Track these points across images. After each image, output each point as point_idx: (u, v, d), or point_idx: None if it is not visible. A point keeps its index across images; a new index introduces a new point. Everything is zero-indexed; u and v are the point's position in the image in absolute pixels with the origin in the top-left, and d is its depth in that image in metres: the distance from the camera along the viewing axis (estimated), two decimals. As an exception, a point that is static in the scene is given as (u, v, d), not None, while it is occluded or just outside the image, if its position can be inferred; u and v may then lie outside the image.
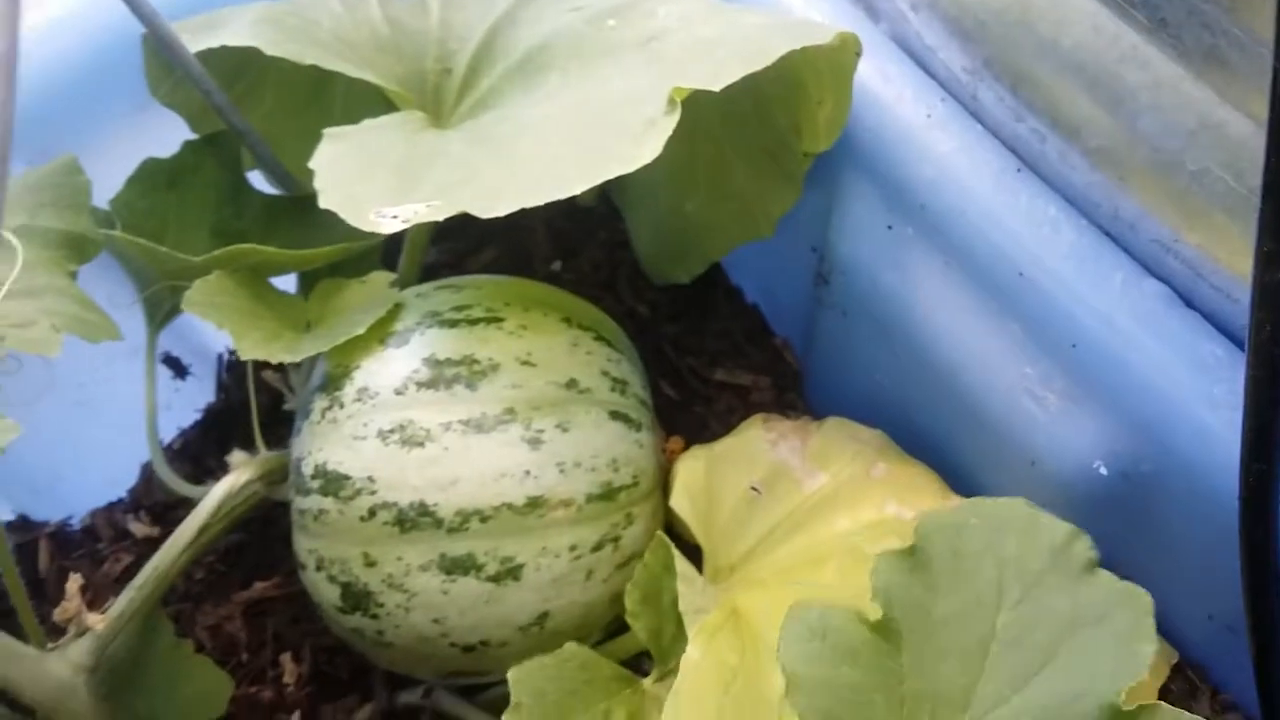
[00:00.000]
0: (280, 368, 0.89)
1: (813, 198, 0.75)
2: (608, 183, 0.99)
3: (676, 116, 0.59)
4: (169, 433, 0.94)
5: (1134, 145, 0.59)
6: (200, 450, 0.93)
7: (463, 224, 0.99)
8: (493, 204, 0.59)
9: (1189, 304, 0.61)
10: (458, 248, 0.98)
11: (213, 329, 0.96)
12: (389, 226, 0.60)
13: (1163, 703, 0.49)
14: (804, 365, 0.89)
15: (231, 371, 0.97)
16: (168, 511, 0.91)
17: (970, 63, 0.66)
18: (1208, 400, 0.59)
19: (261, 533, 0.88)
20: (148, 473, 0.92)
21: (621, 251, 0.97)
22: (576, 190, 0.58)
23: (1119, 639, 0.51)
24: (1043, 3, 0.62)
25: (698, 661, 0.58)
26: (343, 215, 0.61)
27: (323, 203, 0.62)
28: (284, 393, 0.88)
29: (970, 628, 0.52)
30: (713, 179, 0.79)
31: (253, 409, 0.79)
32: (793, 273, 0.84)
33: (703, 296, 0.95)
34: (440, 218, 0.60)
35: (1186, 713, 0.49)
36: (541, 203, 0.58)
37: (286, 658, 0.84)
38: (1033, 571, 0.53)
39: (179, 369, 0.93)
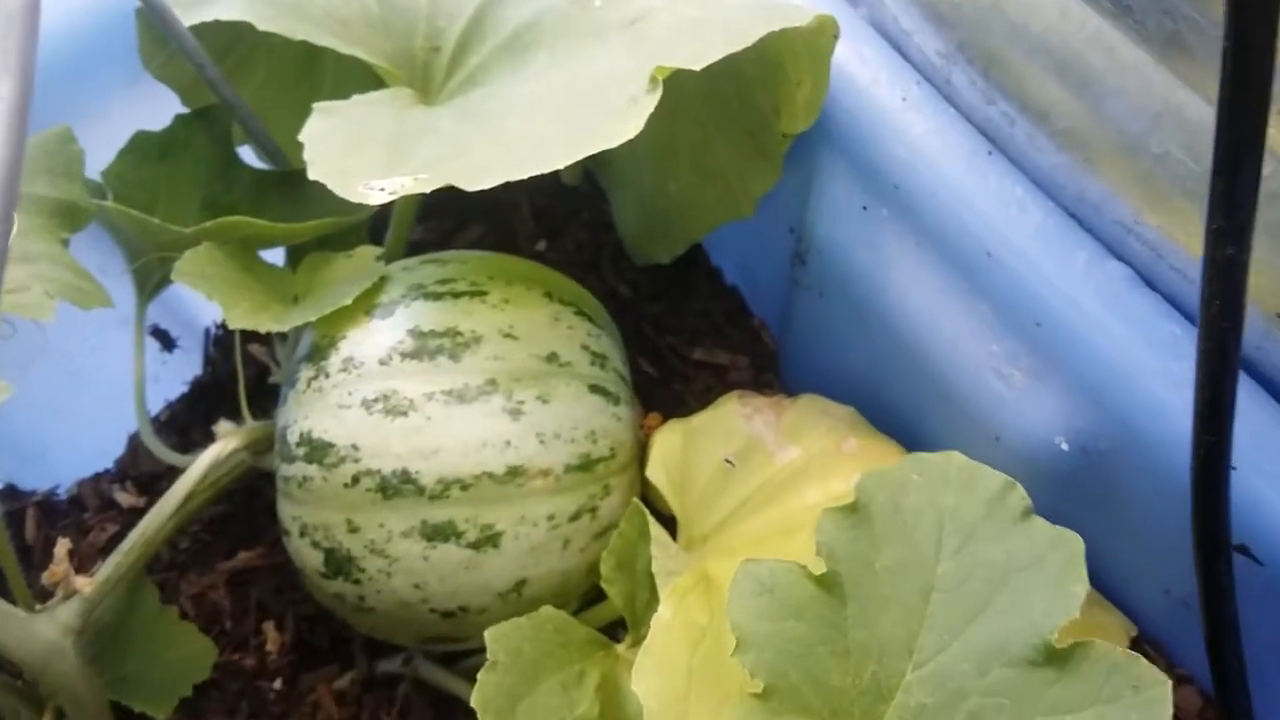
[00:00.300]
0: (266, 342, 0.91)
1: (791, 179, 0.77)
2: (593, 163, 1.01)
3: (658, 95, 0.60)
4: (156, 405, 0.95)
5: (1100, 128, 0.61)
6: (187, 422, 0.94)
7: (448, 203, 1.01)
8: (479, 178, 0.60)
9: (1150, 285, 0.63)
10: (443, 225, 1.00)
11: (200, 304, 0.98)
12: (376, 198, 0.61)
13: (1095, 639, 0.51)
14: (780, 345, 0.91)
15: (218, 346, 0.98)
16: (154, 482, 0.92)
17: (944, 47, 0.68)
18: (1166, 378, 0.61)
19: (246, 504, 0.90)
20: (134, 444, 0.94)
21: (605, 232, 0.99)
22: (561, 164, 0.59)
23: (1052, 581, 0.53)
24: (1014, -11, 0.64)
25: (669, 621, 0.60)
26: (331, 187, 0.62)
27: (312, 174, 0.63)
28: (270, 366, 0.89)
29: (911, 579, 0.54)
30: (695, 159, 0.81)
31: (239, 380, 0.80)
32: (771, 254, 0.86)
33: (683, 277, 0.97)
34: (427, 190, 0.61)
35: (1116, 647, 0.51)
36: (526, 176, 0.59)
37: (269, 626, 0.85)
38: (970, 522, 0.55)
39: (167, 341, 0.94)
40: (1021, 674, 0.53)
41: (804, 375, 0.88)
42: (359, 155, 0.65)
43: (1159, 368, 0.62)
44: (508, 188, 1.00)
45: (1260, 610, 0.60)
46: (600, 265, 0.97)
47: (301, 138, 0.65)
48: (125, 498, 0.91)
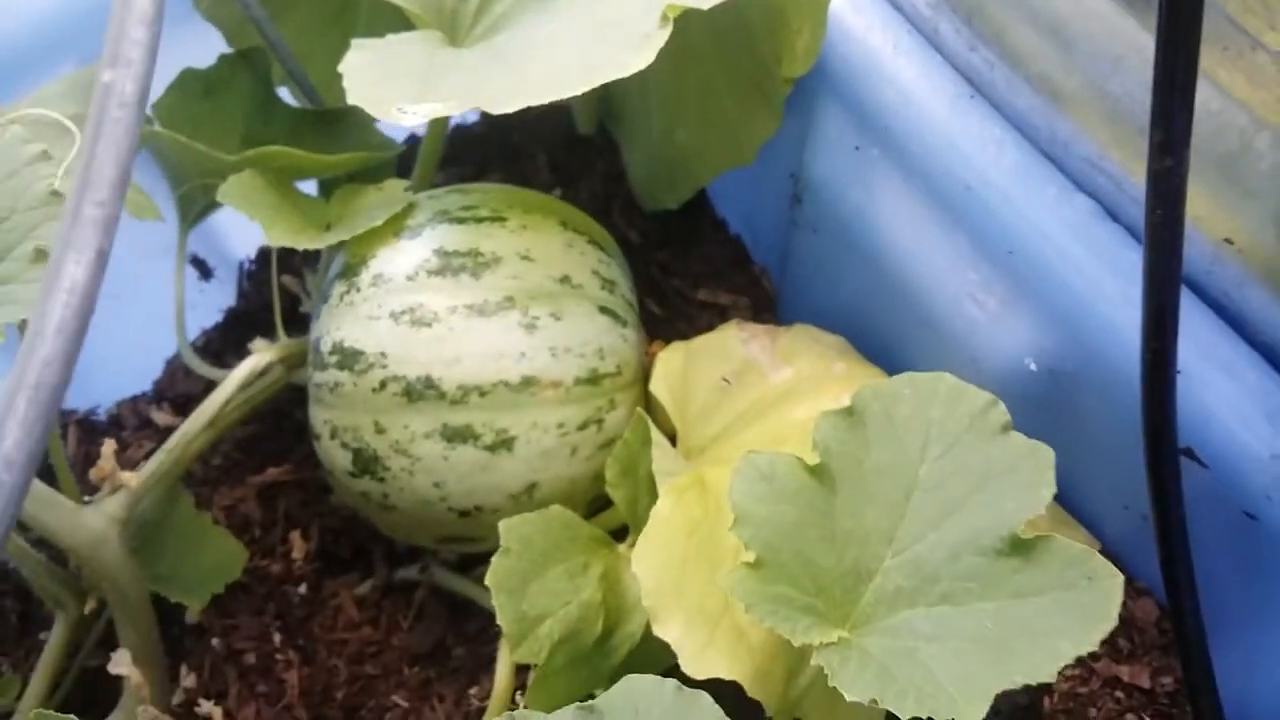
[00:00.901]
0: (298, 274, 0.97)
1: (790, 127, 0.83)
2: (606, 113, 1.06)
3: (668, 31, 0.66)
4: (192, 332, 1.00)
5: (1069, 71, 0.67)
6: (221, 348, 1.00)
7: (468, 152, 1.07)
8: (503, 102, 0.66)
9: (1113, 217, 0.69)
10: (463, 173, 1.05)
11: (234, 239, 1.04)
12: (409, 120, 0.67)
13: (1055, 534, 0.57)
14: (779, 289, 0.97)
15: (251, 279, 1.04)
16: (189, 404, 0.97)
17: (932, -1, 0.74)
18: (1126, 302, 0.67)
19: (275, 426, 0.95)
20: (171, 367, 1.00)
21: (617, 183, 1.04)
22: (578, 90, 0.65)
23: (1024, 485, 0.58)
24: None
25: (667, 513, 0.66)
26: (368, 109, 0.68)
27: (350, 99, 0.69)
28: (300, 296, 0.95)
29: (896, 478, 0.60)
30: (703, 106, 0.86)
31: (275, 300, 0.86)
32: (772, 203, 0.92)
33: (690, 226, 1.02)
34: (455, 113, 0.67)
35: (1075, 543, 0.57)
36: (547, 101, 0.65)
37: (295, 535, 0.90)
38: (954, 433, 0.60)
39: (205, 271, 1.00)
40: (989, 562, 0.58)
41: (800, 315, 0.93)
42: (393, 84, 0.70)
43: (1120, 293, 0.67)
44: (525, 138, 1.05)
45: (1206, 514, 0.65)
46: (612, 213, 1.03)
47: (341, 69, 0.71)
48: (162, 417, 0.97)
